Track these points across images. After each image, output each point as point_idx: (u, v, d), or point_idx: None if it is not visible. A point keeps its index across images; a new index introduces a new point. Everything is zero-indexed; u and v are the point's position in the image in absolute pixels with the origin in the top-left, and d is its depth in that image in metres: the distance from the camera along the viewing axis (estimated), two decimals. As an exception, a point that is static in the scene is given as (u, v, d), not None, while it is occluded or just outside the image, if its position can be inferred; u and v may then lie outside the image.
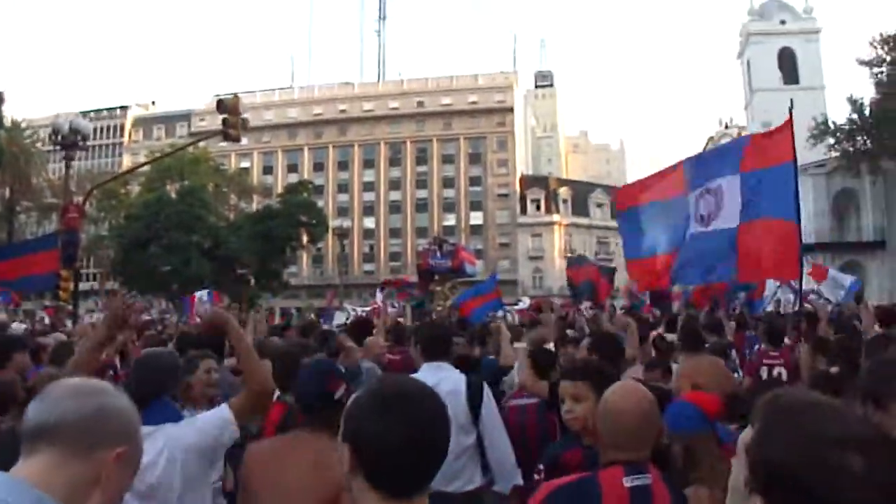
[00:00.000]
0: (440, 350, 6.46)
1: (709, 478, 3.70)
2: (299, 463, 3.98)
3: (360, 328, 11.08)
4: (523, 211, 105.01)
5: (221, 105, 25.10)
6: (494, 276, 23.06)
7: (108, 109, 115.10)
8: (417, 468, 2.14)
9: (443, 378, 5.91)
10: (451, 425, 2.25)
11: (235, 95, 25.98)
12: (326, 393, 4.19)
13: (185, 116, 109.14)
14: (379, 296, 27.77)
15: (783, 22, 79.21)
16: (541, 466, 4.66)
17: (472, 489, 6.01)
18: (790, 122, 8.76)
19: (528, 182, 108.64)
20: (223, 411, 4.18)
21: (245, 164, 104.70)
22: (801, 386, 7.11)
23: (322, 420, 4.05)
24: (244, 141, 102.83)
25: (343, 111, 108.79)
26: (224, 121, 25.28)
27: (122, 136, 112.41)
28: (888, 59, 58.86)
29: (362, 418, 2.14)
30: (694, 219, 10.06)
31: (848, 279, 22.84)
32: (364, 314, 21.75)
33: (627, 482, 3.30)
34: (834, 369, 6.36)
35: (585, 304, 21.34)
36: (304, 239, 72.25)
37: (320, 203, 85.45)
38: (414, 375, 5.56)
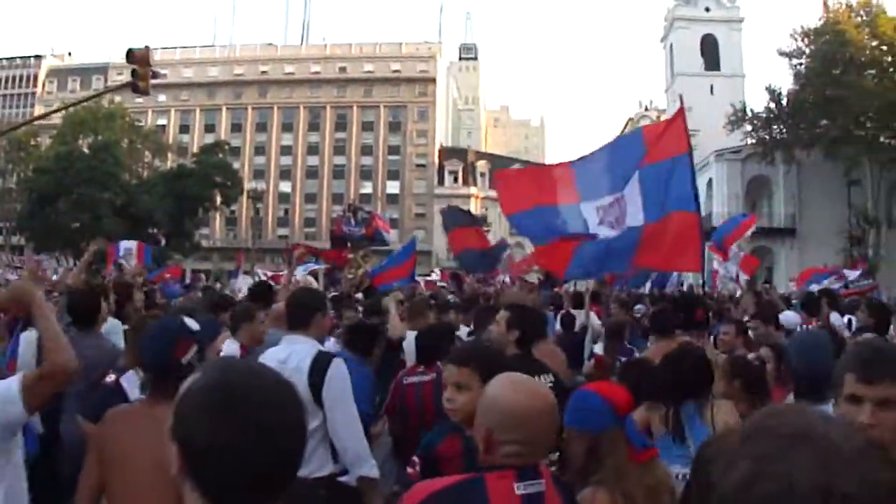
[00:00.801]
0: (301, 320, 5.74)
1: (611, 479, 3.38)
2: (148, 436, 3.21)
3: (261, 295, 10.40)
4: (441, 182, 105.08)
5: (131, 55, 24.33)
6: (413, 241, 22.72)
7: (21, 58, 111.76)
8: (258, 481, 1.76)
9: (293, 352, 5.46)
10: (305, 428, 1.87)
11: (146, 47, 25.20)
12: (173, 359, 3.85)
13: (102, 69, 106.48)
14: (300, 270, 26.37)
15: (708, 9, 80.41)
16: (415, 458, 4.22)
17: (323, 475, 5.32)
18: (682, 112, 8.84)
19: (447, 153, 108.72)
20: (10, 385, 3.56)
21: (162, 121, 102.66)
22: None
23: (172, 389, 3.36)
24: (161, 98, 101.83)
25: (264, 72, 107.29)
26: (133, 72, 24.43)
27: (35, 86, 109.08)
28: (807, 51, 60.18)
29: (191, 417, 1.78)
30: (604, 225, 9.59)
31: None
32: (266, 278, 21.38)
33: (519, 489, 2.87)
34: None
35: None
36: (218, 200, 71.55)
37: (236, 165, 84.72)
38: (272, 349, 5.72)
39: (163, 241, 64.75)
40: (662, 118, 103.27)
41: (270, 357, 5.38)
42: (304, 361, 5.36)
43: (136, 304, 11.11)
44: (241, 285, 20.16)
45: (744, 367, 5.97)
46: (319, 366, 5.37)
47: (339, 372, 5.42)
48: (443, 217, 22.31)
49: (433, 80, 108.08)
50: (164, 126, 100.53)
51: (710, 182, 69.82)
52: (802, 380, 4.32)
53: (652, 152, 9.18)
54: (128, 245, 24.19)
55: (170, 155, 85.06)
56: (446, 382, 3.99)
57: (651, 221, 8.74)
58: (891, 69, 58.73)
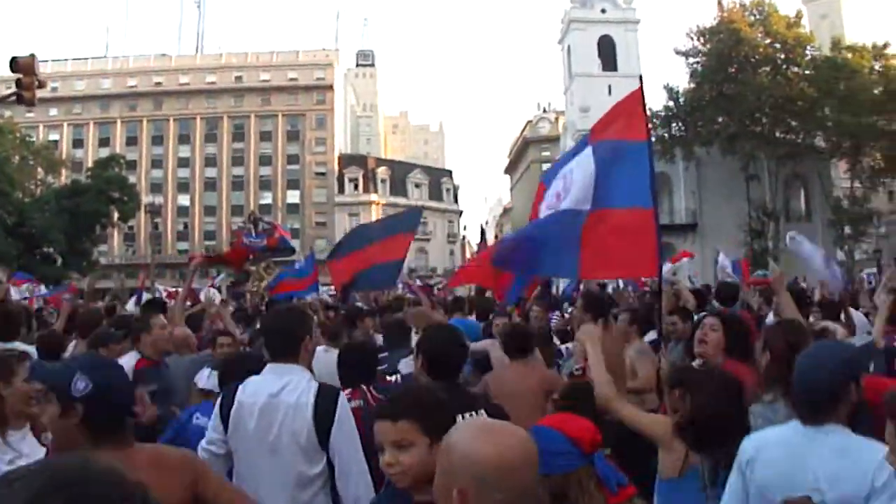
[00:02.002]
0: (288, 347, 4.78)
1: None
2: None
3: (154, 305, 10.21)
4: (341, 190, 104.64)
5: (15, 64, 23.43)
6: (312, 254, 22.22)
7: None
8: None
9: (288, 385, 4.60)
10: None
11: (32, 55, 24.34)
12: None
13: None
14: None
15: (604, 11, 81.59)
16: None
17: None
18: (640, 94, 7.59)
19: (347, 161, 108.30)
20: None
21: (54, 136, 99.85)
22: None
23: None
24: (53, 112, 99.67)
25: (159, 84, 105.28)
26: (17, 82, 23.57)
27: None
28: (703, 50, 61.74)
29: None
30: (546, 206, 8.40)
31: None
32: (160, 295, 20.94)
33: None
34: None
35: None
36: (116, 216, 70.21)
37: (133, 179, 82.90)
38: (254, 379, 4.78)
39: (59, 261, 63.33)
40: (561, 120, 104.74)
41: (258, 390, 4.62)
42: (306, 397, 4.58)
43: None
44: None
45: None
46: (326, 403, 4.58)
47: (347, 410, 4.68)
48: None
49: (331, 88, 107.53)
50: (56, 141, 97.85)
51: (610, 181, 71.07)
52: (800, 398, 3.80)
53: (603, 129, 8.16)
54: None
55: (63, 171, 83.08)
56: (380, 443, 3.18)
57: (595, 210, 7.49)
58: (784, 66, 60.71)
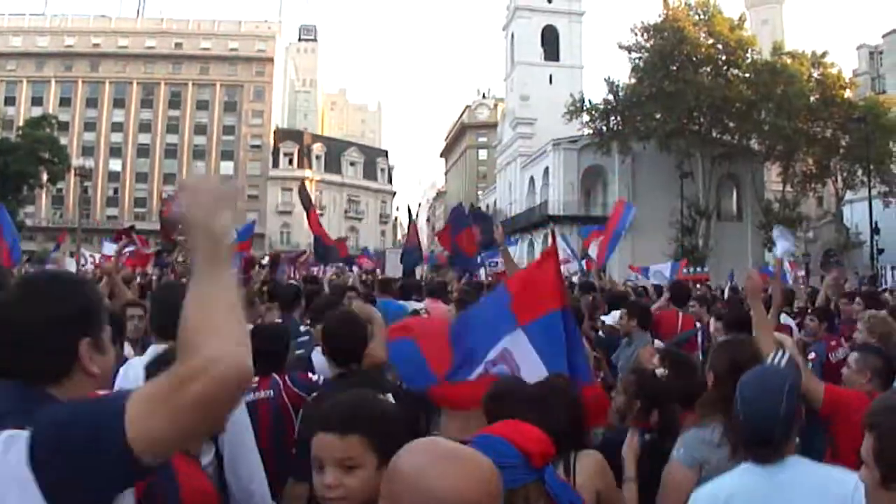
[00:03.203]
0: (172, 327, 3.38)
1: None
2: None
3: None
4: (275, 164, 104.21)
5: None
6: (252, 224, 21.41)
7: None
8: None
9: None
10: None
11: None
12: None
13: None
14: (110, 247, 22.90)
15: (550, 0, 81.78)
16: None
17: None
18: (554, 251, 6.31)
19: (283, 135, 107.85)
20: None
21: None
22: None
23: None
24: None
25: (96, 45, 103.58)
26: None
27: None
28: (647, 46, 62.22)
29: None
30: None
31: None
32: (87, 262, 20.32)
33: None
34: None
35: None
36: (45, 177, 69.05)
37: (64, 140, 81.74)
38: (135, 361, 4.52)
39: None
40: (500, 106, 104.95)
41: (138, 372, 4.02)
42: None
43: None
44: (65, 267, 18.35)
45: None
46: None
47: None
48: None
49: (271, 61, 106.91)
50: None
51: (546, 170, 71.46)
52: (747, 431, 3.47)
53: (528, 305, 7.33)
54: None
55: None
56: (320, 459, 2.64)
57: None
58: (724, 67, 61.46)
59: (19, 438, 1.81)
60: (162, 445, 1.83)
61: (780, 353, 4.05)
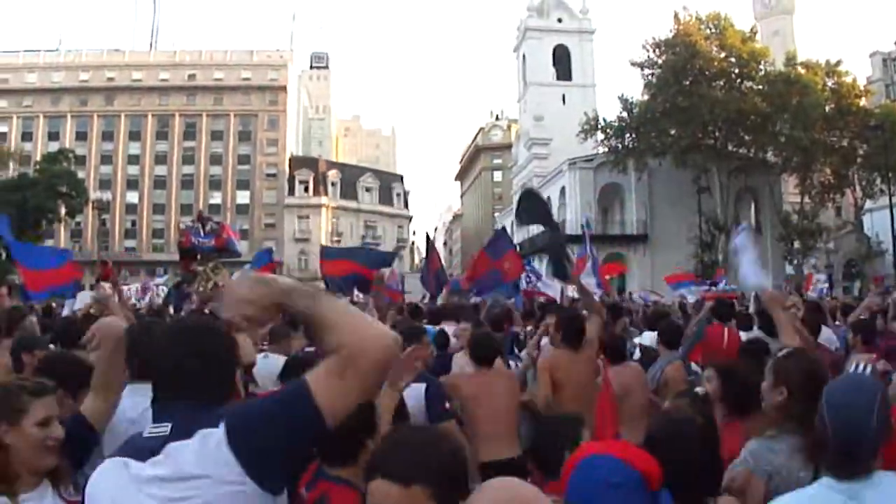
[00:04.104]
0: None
1: None
2: None
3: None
4: (291, 192, 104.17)
5: None
6: (267, 251, 21.48)
7: None
8: None
9: (149, 408, 3.22)
10: None
11: None
12: None
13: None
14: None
15: (560, 20, 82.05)
16: None
17: None
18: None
19: (298, 163, 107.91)
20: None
21: (3, 128, 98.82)
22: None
23: None
24: (2, 104, 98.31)
25: (111, 79, 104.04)
26: None
27: None
28: (659, 62, 62.08)
29: None
30: None
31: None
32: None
33: None
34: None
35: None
36: (63, 211, 69.36)
37: (81, 174, 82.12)
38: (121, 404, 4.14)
39: (2, 255, 62.34)
40: (514, 128, 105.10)
41: (117, 415, 3.91)
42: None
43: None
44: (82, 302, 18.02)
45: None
46: None
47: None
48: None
49: (284, 89, 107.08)
50: (4, 133, 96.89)
51: (562, 190, 71.33)
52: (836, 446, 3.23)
53: None
54: None
55: (11, 164, 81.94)
56: None
57: None
58: (738, 80, 61.32)
59: (215, 431, 2.34)
60: (341, 411, 2.37)
61: (861, 364, 3.83)
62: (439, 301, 17.60)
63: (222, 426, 2.34)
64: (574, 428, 4.20)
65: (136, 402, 3.94)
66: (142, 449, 2.48)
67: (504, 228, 24.24)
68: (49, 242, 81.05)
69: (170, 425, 2.48)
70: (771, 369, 4.34)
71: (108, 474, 2.53)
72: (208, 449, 2.32)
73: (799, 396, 4.03)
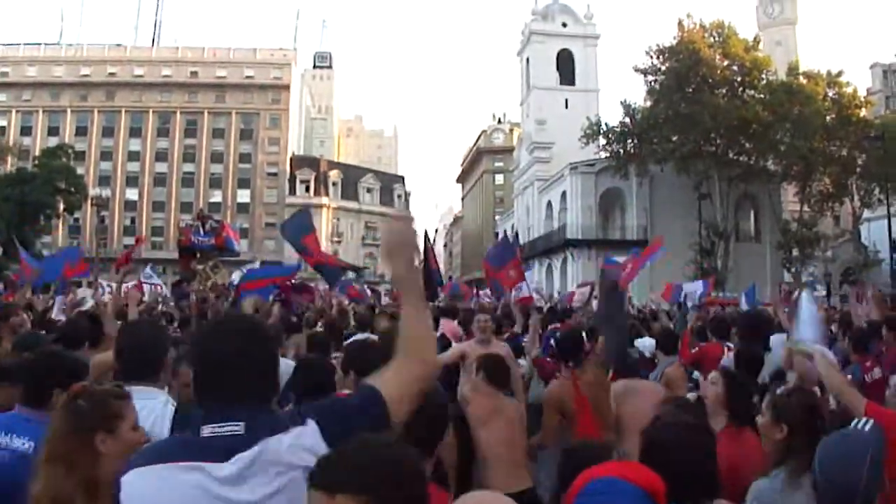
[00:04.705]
0: (146, 366, 4.28)
1: None
2: None
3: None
4: (292, 191, 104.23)
5: None
6: (298, 266, 21.14)
7: None
8: None
9: (142, 409, 3.59)
10: None
11: None
12: None
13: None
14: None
15: (565, 24, 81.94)
16: None
17: None
18: None
19: (299, 162, 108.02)
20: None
21: (1, 122, 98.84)
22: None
23: None
24: (2, 97, 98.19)
25: (112, 74, 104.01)
26: None
27: None
28: (662, 68, 62.08)
29: None
30: None
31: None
32: (105, 290, 19.94)
33: None
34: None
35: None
36: (61, 207, 69.33)
37: (81, 170, 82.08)
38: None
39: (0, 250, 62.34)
40: (516, 131, 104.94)
41: None
42: (161, 423, 3.95)
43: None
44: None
45: None
46: (183, 427, 3.52)
47: None
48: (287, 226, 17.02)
49: (287, 88, 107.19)
50: (3, 127, 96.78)
51: (563, 195, 71.34)
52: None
53: None
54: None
55: (9, 158, 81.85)
56: None
57: None
58: (740, 88, 61.38)
59: (307, 429, 2.57)
60: (402, 414, 2.75)
61: (864, 420, 3.82)
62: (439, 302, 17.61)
63: (311, 422, 2.59)
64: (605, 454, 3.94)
65: (141, 405, 3.68)
66: (211, 448, 2.52)
67: (506, 235, 24.55)
68: (47, 239, 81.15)
69: (242, 424, 2.54)
70: (770, 406, 4.34)
71: (169, 478, 2.49)
72: (303, 442, 2.53)
73: (800, 433, 4.06)
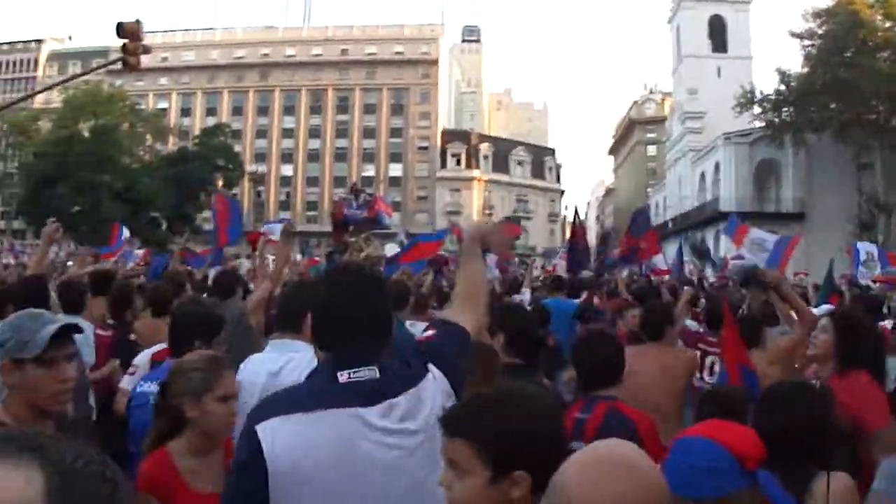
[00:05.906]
0: (291, 319, 4.42)
1: None
2: None
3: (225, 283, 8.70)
4: (443, 165, 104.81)
5: (120, 29, 23.20)
6: (445, 231, 21.32)
7: (22, 42, 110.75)
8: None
9: (289, 362, 4.19)
10: None
11: (137, 21, 23.96)
12: None
13: (103, 53, 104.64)
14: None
15: (715, -11, 79.65)
16: None
17: None
18: None
19: (450, 136, 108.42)
20: None
21: (163, 104, 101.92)
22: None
23: None
24: (163, 81, 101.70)
25: (265, 55, 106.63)
26: (123, 47, 23.29)
27: (35, 70, 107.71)
28: (819, 32, 59.43)
29: None
30: None
31: (771, 239, 17.64)
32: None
33: None
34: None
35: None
36: (220, 183, 71.14)
37: (238, 148, 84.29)
38: (256, 357, 4.48)
39: (164, 225, 64.41)
40: (667, 101, 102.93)
41: (258, 369, 4.24)
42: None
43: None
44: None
45: None
46: None
47: None
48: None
49: (435, 63, 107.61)
50: (165, 109, 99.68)
51: (717, 166, 69.54)
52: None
53: None
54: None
55: (171, 138, 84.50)
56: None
57: None
58: (903, 51, 58.11)
59: (436, 372, 2.80)
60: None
61: None
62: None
63: (433, 367, 2.81)
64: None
65: (272, 356, 4.34)
66: (351, 392, 2.61)
67: (644, 207, 23.31)
68: (206, 213, 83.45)
69: (376, 367, 2.65)
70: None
71: (324, 425, 2.56)
72: (438, 385, 2.76)
73: None
